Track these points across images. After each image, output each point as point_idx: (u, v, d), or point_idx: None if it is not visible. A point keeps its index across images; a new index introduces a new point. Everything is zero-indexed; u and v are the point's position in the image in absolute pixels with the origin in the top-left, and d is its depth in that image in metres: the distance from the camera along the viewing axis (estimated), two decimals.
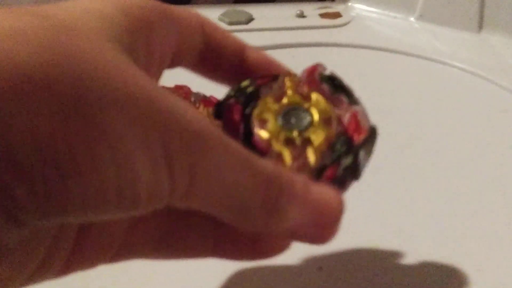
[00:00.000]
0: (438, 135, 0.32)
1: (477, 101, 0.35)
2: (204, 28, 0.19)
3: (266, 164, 0.15)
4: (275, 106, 0.18)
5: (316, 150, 0.17)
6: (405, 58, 0.39)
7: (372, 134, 0.18)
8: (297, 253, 0.24)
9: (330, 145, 0.17)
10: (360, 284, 0.23)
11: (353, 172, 0.17)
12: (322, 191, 0.16)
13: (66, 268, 0.15)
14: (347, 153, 0.17)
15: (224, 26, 0.43)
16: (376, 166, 0.29)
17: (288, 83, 0.19)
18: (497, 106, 0.34)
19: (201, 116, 0.13)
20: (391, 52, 0.40)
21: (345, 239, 0.25)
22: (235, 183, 0.14)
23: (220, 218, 0.15)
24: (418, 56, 0.39)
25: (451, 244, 0.25)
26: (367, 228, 0.25)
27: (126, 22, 0.15)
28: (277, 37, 0.42)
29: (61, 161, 0.11)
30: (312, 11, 0.46)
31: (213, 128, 0.13)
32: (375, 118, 0.36)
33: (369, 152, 0.18)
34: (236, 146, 0.14)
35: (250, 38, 0.43)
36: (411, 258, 0.24)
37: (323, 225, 0.16)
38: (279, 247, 0.17)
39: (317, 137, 0.17)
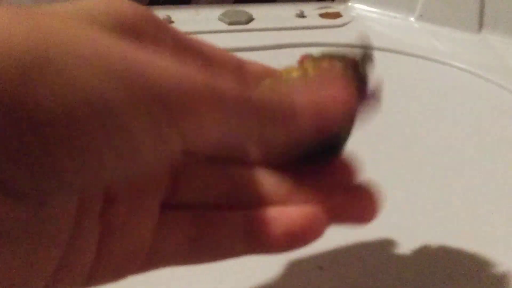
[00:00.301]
0: (438, 135, 0.32)
1: (477, 101, 0.35)
2: (202, 48, 0.19)
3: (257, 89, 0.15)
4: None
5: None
6: (405, 58, 0.39)
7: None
8: (297, 252, 0.24)
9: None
10: (360, 283, 0.23)
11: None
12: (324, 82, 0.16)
13: (90, 277, 0.15)
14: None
15: (224, 26, 0.43)
16: (377, 166, 0.29)
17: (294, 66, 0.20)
18: (497, 106, 0.34)
19: (184, 70, 0.13)
20: (391, 52, 0.40)
21: (345, 238, 0.25)
22: (230, 122, 0.14)
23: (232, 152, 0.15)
24: (418, 56, 0.39)
25: (453, 242, 0.25)
26: (367, 227, 0.25)
27: (112, 23, 0.15)
28: (277, 37, 0.42)
29: (36, 124, 0.11)
30: (312, 11, 0.46)
31: (194, 77, 0.13)
32: (376, 118, 0.36)
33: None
34: (219, 85, 0.14)
35: (250, 38, 0.44)
36: (412, 257, 0.24)
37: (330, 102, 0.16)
38: (312, 232, 0.17)
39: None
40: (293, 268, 0.24)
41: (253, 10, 0.45)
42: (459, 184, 0.28)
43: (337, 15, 0.45)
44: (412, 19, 0.44)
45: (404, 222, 0.26)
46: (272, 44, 0.41)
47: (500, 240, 0.25)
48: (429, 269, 0.24)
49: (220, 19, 0.44)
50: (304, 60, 0.20)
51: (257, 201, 0.17)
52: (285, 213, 0.17)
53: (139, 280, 0.23)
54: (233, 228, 0.17)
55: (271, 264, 0.24)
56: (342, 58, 0.20)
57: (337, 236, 0.25)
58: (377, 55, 0.43)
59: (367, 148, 0.31)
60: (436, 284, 0.23)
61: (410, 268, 0.24)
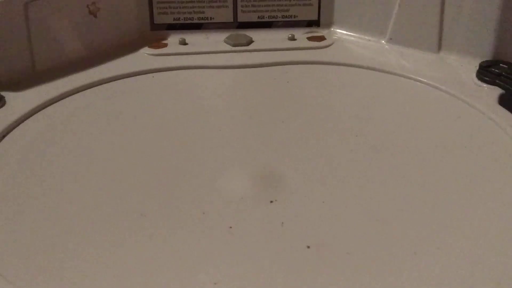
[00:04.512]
0: (405, 137, 0.32)
1: (436, 109, 0.35)
2: None
3: None
4: None
5: None
6: (378, 74, 0.39)
7: None
8: (286, 233, 0.24)
9: None
10: (345, 261, 0.23)
11: None
12: None
13: None
14: None
15: (228, 47, 0.43)
16: (356, 163, 0.29)
17: None
18: (453, 113, 0.34)
19: None
20: (366, 69, 0.40)
21: (331, 220, 0.25)
22: None
23: None
24: (388, 72, 0.39)
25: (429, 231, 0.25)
26: (351, 212, 0.25)
27: None
28: (272, 56, 0.42)
29: None
30: (301, 35, 0.46)
31: None
32: (353, 122, 0.36)
33: None
34: None
35: (250, 57, 0.44)
36: (393, 238, 0.24)
37: None
38: None
39: None
40: (282, 247, 0.23)
41: (253, 34, 0.45)
42: (422, 179, 0.28)
43: (322, 38, 0.45)
44: (383, 41, 0.44)
45: (382, 210, 0.26)
46: (269, 62, 0.41)
47: (455, 226, 0.25)
48: (412, 248, 0.23)
49: (225, 42, 0.44)
50: None
51: None
52: None
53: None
54: None
55: (260, 243, 0.24)
56: None
57: (324, 218, 0.25)
58: (354, 71, 0.44)
59: (346, 145, 0.31)
60: (415, 265, 0.23)
61: (393, 247, 0.23)
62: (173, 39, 0.44)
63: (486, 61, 0.39)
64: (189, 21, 0.45)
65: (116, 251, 0.23)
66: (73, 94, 0.37)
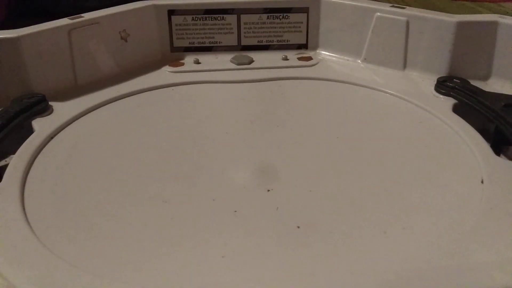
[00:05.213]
0: (377, 138, 0.32)
1: (402, 115, 0.35)
2: None
3: None
4: None
5: None
6: (354, 87, 0.40)
7: None
8: (280, 215, 0.24)
9: None
10: (329, 238, 0.23)
11: None
12: None
13: None
14: None
15: (233, 66, 0.43)
16: (336, 160, 0.29)
17: None
18: (416, 119, 0.34)
19: None
20: (345, 83, 0.40)
21: (316, 205, 0.25)
22: None
23: None
24: (363, 86, 0.39)
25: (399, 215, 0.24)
26: (333, 199, 0.25)
27: None
28: (269, 73, 0.42)
29: None
30: (293, 55, 0.46)
31: None
32: (334, 126, 0.36)
33: None
34: None
35: (251, 73, 0.44)
36: (369, 220, 0.24)
37: None
38: None
39: None
40: (274, 227, 0.23)
41: (254, 55, 0.45)
42: (389, 175, 0.28)
43: (309, 58, 0.45)
44: (359, 61, 0.44)
45: (358, 197, 0.26)
46: (266, 78, 0.41)
47: (412, 214, 0.25)
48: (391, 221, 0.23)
49: (231, 61, 0.44)
50: None
51: None
52: None
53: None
54: None
55: (259, 224, 0.24)
56: None
57: (311, 203, 0.25)
58: (336, 85, 0.44)
59: (329, 145, 0.31)
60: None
61: (367, 227, 0.23)
62: (188, 59, 0.45)
63: (443, 76, 0.39)
64: (202, 45, 0.46)
65: (143, 229, 0.23)
66: (108, 103, 0.37)
